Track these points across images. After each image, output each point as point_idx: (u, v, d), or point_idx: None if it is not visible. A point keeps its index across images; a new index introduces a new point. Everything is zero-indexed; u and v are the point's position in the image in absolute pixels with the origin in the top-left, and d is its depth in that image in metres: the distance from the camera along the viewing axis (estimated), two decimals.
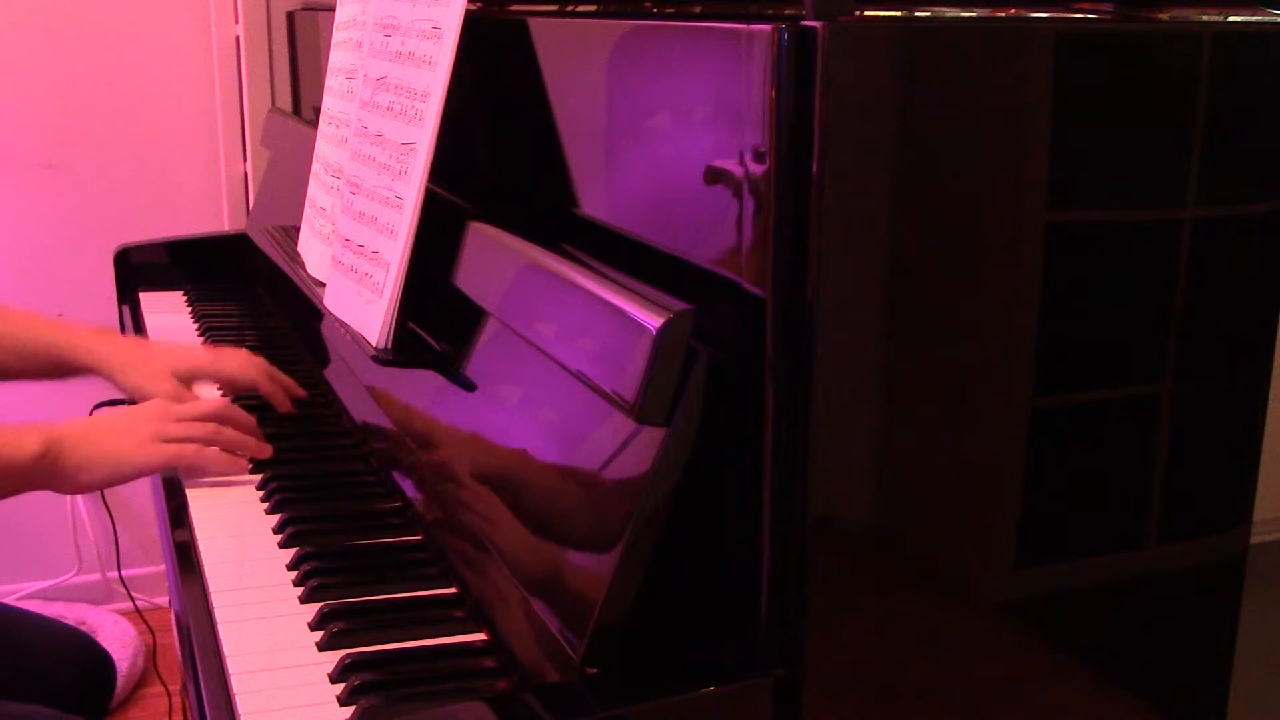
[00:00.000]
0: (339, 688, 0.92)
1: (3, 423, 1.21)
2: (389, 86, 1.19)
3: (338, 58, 1.45)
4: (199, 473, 1.27)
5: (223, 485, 1.28)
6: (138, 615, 2.31)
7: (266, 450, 1.30)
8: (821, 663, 0.84)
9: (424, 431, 1.18)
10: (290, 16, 2.27)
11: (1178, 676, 0.99)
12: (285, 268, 1.52)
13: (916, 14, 0.85)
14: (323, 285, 1.33)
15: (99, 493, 2.41)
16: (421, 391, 1.20)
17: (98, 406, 1.51)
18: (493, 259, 1.07)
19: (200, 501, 1.24)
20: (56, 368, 1.49)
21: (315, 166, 1.47)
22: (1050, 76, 0.83)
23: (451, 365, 1.15)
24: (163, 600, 2.59)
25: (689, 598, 0.87)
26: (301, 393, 1.47)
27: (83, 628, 2.22)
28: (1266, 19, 0.93)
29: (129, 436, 1.23)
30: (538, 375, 1.00)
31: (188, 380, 1.44)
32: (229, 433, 1.28)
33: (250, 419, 1.33)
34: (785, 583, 0.83)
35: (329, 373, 1.52)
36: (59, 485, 1.21)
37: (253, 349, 1.69)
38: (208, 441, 1.26)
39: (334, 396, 1.47)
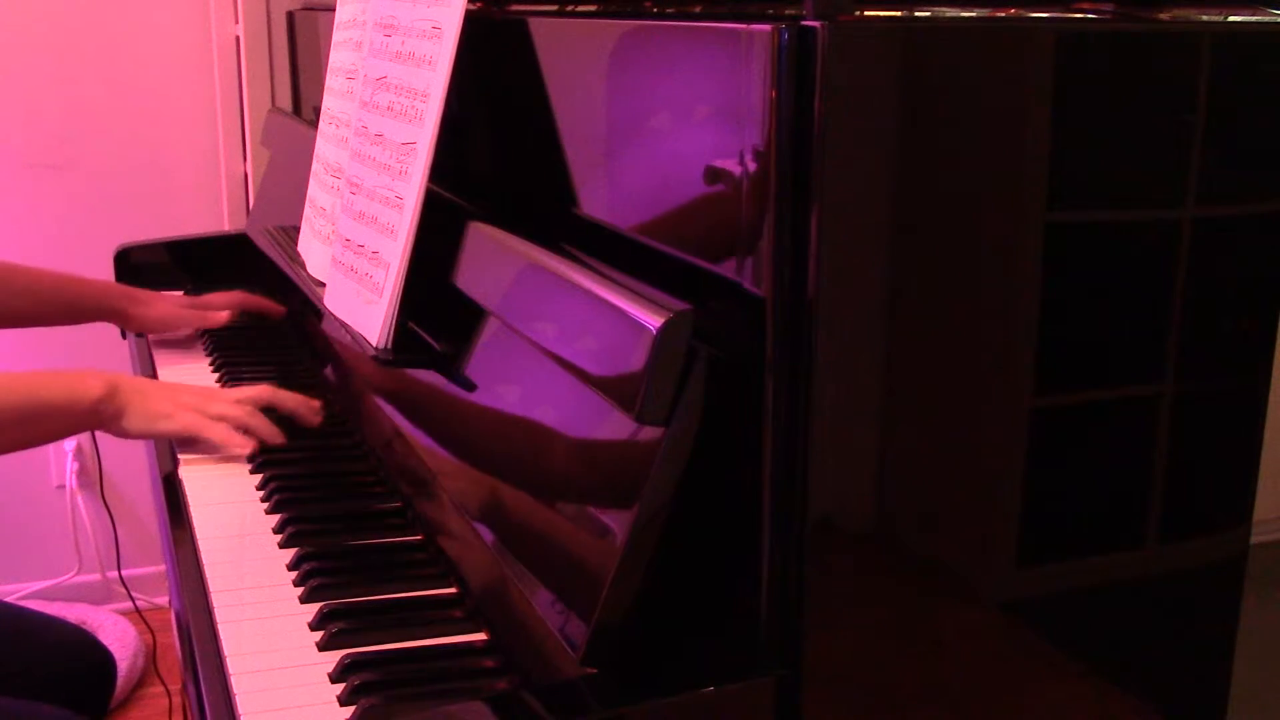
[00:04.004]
0: (339, 688, 0.92)
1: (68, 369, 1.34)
2: (389, 86, 1.19)
3: (338, 58, 1.45)
4: (212, 448, 1.34)
5: (224, 483, 1.28)
6: (138, 615, 2.31)
7: (315, 419, 1.38)
8: (821, 663, 0.84)
9: (424, 431, 1.18)
10: (290, 16, 2.27)
11: (1178, 676, 0.99)
12: (285, 268, 1.52)
13: (916, 14, 0.85)
14: (323, 285, 1.33)
15: (99, 493, 2.42)
16: (422, 391, 1.20)
17: None
18: (493, 259, 1.07)
19: (200, 501, 1.24)
20: (69, 312, 1.68)
21: (315, 166, 1.47)
22: (1050, 76, 0.83)
23: (451, 365, 1.15)
24: (163, 600, 2.59)
25: (689, 597, 0.87)
26: (281, 310, 1.79)
27: (83, 628, 2.22)
28: (1266, 19, 0.93)
29: (171, 399, 1.33)
30: (538, 375, 1.00)
31: (186, 307, 1.75)
32: (259, 421, 1.34)
33: (296, 396, 1.39)
34: (785, 583, 0.83)
35: (329, 373, 1.53)
36: (108, 426, 1.32)
37: (253, 348, 1.70)
38: (240, 424, 1.33)
39: (334, 396, 1.48)
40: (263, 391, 1.37)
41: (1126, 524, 0.93)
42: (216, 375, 1.63)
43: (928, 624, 0.88)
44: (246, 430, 1.33)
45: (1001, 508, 0.89)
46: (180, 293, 1.89)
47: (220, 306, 1.76)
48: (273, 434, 1.34)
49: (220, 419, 1.32)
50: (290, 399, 1.37)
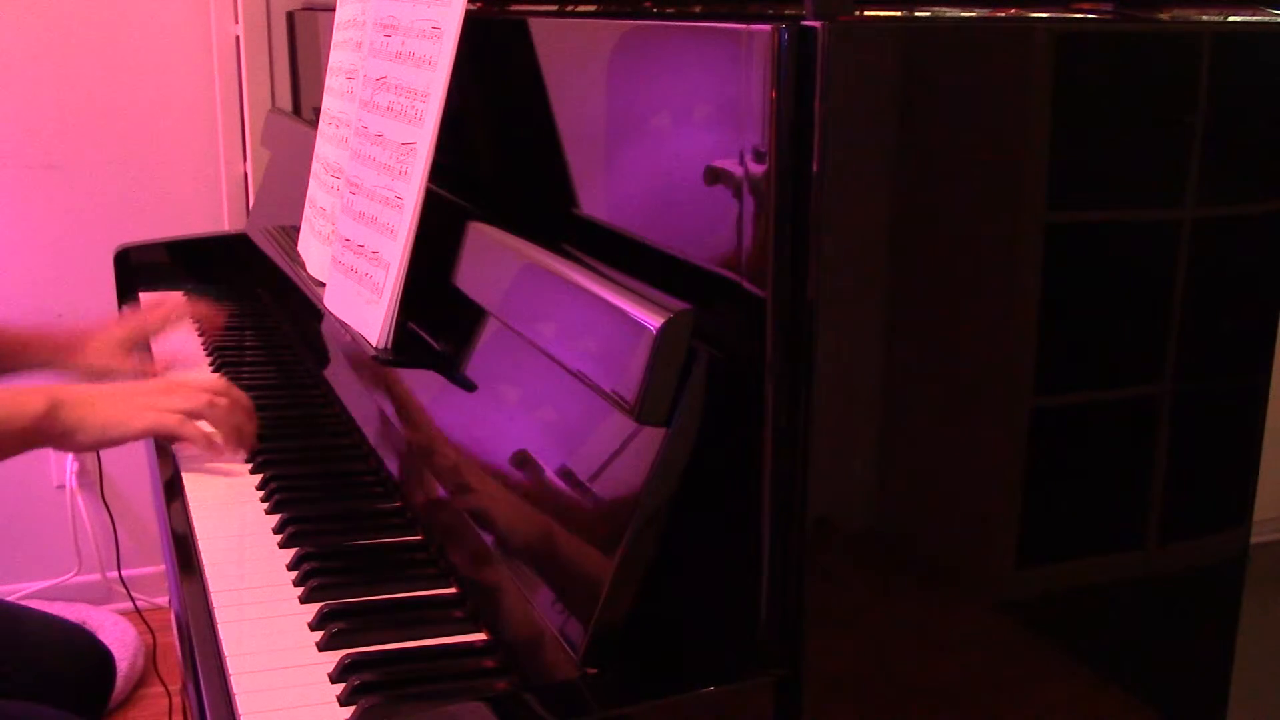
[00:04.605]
0: (339, 688, 0.92)
1: (6, 385, 1.27)
2: (389, 86, 1.19)
3: (338, 58, 1.45)
4: (181, 443, 1.30)
5: (224, 483, 1.28)
6: (138, 615, 2.31)
7: (248, 444, 1.32)
8: (821, 663, 0.84)
9: (424, 431, 1.18)
10: (290, 16, 2.27)
11: (1178, 676, 0.99)
12: (285, 268, 1.52)
13: (916, 14, 0.85)
14: (323, 285, 1.33)
15: (99, 493, 2.42)
16: (421, 391, 1.20)
17: None
18: (493, 259, 1.07)
19: (200, 501, 1.24)
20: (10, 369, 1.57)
21: (315, 166, 1.47)
22: (1050, 76, 0.83)
23: (451, 365, 1.15)
24: (163, 600, 2.59)
25: (689, 597, 0.87)
26: (219, 316, 1.69)
27: (83, 628, 2.23)
28: (1266, 19, 0.93)
29: (124, 404, 1.28)
30: (538, 375, 1.00)
31: (132, 345, 1.62)
32: (221, 411, 1.30)
33: (246, 398, 1.34)
34: (785, 583, 0.83)
35: (329, 373, 1.53)
36: (56, 443, 1.27)
37: (252, 349, 1.70)
38: (200, 414, 1.29)
39: (334, 396, 1.48)
40: (218, 385, 1.32)
41: (1126, 524, 0.93)
42: (217, 376, 1.63)
43: (928, 624, 0.88)
44: (209, 419, 1.29)
45: (1001, 508, 0.89)
46: (181, 293, 1.88)
47: (155, 328, 1.64)
48: (234, 426, 1.30)
49: (179, 411, 1.27)
50: (226, 421, 1.30)
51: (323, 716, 0.89)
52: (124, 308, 1.88)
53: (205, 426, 1.30)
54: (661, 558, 0.83)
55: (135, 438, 1.29)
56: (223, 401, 1.31)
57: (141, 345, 1.64)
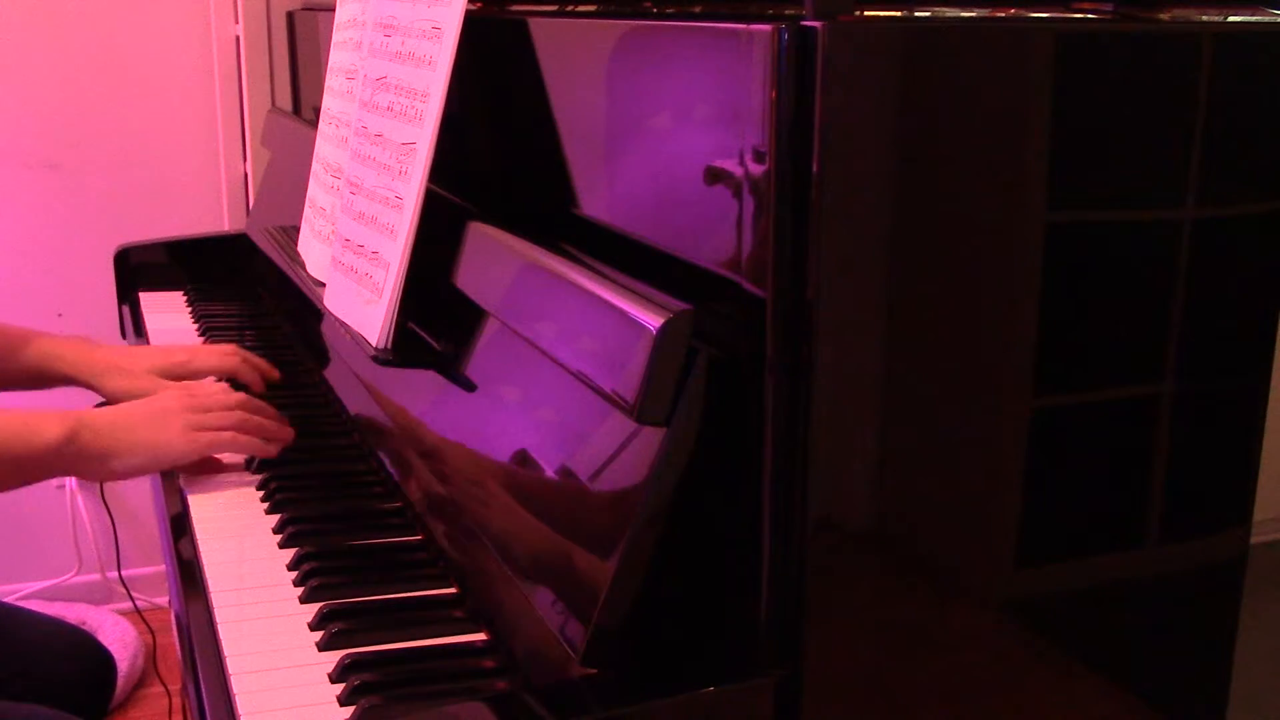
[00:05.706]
0: (339, 688, 0.92)
1: (27, 409, 1.22)
2: (389, 86, 1.19)
3: (338, 58, 1.45)
4: (237, 451, 1.29)
5: (223, 483, 1.28)
6: (138, 615, 2.31)
7: (289, 433, 1.32)
8: (821, 663, 0.84)
9: (424, 431, 1.18)
10: (290, 16, 2.27)
11: (1178, 676, 0.99)
12: (285, 268, 1.52)
13: (916, 14, 0.85)
14: (323, 285, 1.33)
15: (99, 492, 2.42)
16: (421, 391, 1.20)
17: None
18: (493, 259, 1.07)
19: (200, 502, 1.24)
20: (37, 379, 1.50)
21: (315, 166, 1.47)
22: (1050, 76, 0.83)
23: (451, 365, 1.15)
24: (163, 600, 2.59)
25: (689, 597, 0.87)
26: (275, 374, 1.52)
27: (83, 628, 2.22)
28: (1266, 19, 0.93)
29: (164, 426, 1.24)
30: (538, 375, 1.00)
31: (169, 378, 1.46)
32: (255, 419, 1.29)
33: (267, 405, 1.34)
34: (785, 583, 0.83)
35: (329, 373, 1.52)
36: (86, 471, 1.22)
37: (253, 349, 1.69)
38: (237, 428, 1.27)
39: (334, 396, 1.48)
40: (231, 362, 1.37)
41: (1126, 524, 0.93)
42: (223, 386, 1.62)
43: (928, 624, 0.88)
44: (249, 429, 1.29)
45: (1001, 508, 0.89)
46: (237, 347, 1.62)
47: (199, 371, 1.47)
48: (275, 428, 1.31)
49: (223, 429, 1.26)
50: (260, 430, 1.29)
51: (323, 716, 0.89)
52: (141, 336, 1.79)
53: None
54: (661, 557, 0.83)
55: (190, 461, 1.26)
56: (250, 410, 1.30)
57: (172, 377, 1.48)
